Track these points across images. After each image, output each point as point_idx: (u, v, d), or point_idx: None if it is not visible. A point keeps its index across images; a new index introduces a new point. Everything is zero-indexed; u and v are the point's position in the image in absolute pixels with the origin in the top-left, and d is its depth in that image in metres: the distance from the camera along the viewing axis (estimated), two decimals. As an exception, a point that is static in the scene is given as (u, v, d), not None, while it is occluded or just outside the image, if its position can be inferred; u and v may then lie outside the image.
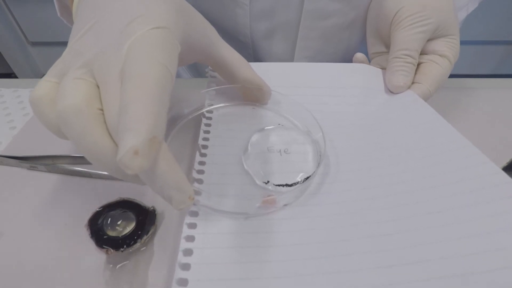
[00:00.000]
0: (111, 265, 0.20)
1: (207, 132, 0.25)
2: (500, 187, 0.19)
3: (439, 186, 0.20)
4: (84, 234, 0.20)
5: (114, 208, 0.21)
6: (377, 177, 0.23)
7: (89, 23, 0.18)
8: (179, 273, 0.17)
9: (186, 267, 0.17)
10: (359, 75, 0.32)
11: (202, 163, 0.23)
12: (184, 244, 0.18)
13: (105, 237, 0.20)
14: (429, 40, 0.31)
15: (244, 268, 0.18)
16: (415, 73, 0.31)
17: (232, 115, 0.28)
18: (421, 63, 0.31)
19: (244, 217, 0.20)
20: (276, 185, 0.22)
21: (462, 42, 0.31)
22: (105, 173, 0.25)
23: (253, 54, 0.44)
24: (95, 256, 0.20)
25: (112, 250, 0.19)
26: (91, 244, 0.19)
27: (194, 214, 0.20)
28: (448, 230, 0.18)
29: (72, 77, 0.16)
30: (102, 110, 0.16)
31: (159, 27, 0.17)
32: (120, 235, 0.20)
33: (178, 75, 0.52)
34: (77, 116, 0.15)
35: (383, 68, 0.33)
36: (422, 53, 0.31)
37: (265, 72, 0.27)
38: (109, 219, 0.21)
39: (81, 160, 0.26)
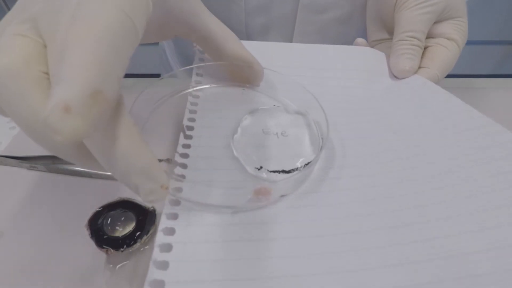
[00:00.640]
0: (111, 265, 0.20)
1: (193, 112, 0.22)
2: None
3: (464, 168, 0.19)
4: (84, 234, 0.20)
5: (114, 208, 0.21)
6: (389, 162, 0.20)
7: None
8: (154, 273, 0.14)
9: (163, 265, 0.15)
10: (362, 58, 0.30)
11: (186, 146, 0.20)
12: (161, 238, 0.16)
13: (105, 237, 0.20)
14: (435, 22, 0.29)
15: (234, 266, 0.15)
16: (422, 57, 0.29)
17: (219, 97, 0.24)
18: (428, 46, 0.29)
19: (231, 211, 0.17)
20: (271, 172, 0.19)
21: (462, 43, 0.31)
22: (105, 173, 0.25)
23: None
24: (95, 256, 0.20)
25: (112, 250, 0.19)
26: (91, 244, 0.19)
27: (176, 202, 0.17)
28: (483, 216, 0.16)
29: (10, 33, 0.13)
30: (47, 74, 0.13)
31: None
32: (120, 235, 0.20)
33: (170, 70, 0.52)
34: (12, 79, 0.12)
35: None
36: (428, 36, 0.29)
37: (260, 51, 0.24)
38: (109, 219, 0.21)
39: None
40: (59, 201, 0.24)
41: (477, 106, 0.23)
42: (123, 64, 0.13)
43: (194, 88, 0.24)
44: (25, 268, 0.20)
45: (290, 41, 0.40)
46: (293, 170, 0.20)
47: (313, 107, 0.23)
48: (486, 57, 1.31)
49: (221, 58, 0.23)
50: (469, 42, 0.30)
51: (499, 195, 0.17)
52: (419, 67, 0.29)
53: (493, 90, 0.37)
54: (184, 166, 0.19)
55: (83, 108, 0.10)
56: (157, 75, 0.52)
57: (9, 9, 1.22)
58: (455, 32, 0.29)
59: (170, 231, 0.16)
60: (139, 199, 0.22)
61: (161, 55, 0.53)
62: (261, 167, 0.19)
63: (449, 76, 0.31)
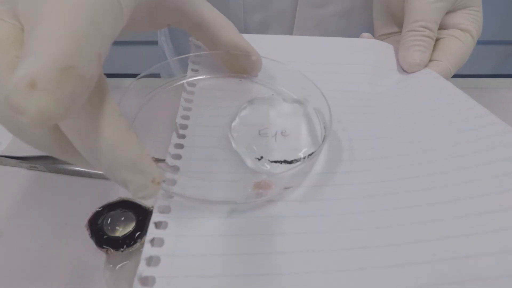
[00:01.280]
0: (111, 265, 0.20)
1: (188, 109, 0.21)
2: None
3: (476, 165, 0.18)
4: (84, 234, 0.20)
5: (114, 208, 0.21)
6: (398, 161, 0.20)
7: None
8: (145, 270, 0.14)
9: (153, 261, 0.14)
10: (368, 51, 0.28)
11: (179, 146, 0.19)
12: (153, 232, 0.15)
13: (105, 237, 0.20)
14: (448, 12, 0.27)
15: (229, 262, 0.15)
16: (433, 50, 0.27)
17: (215, 89, 0.23)
18: (440, 38, 0.27)
19: (230, 208, 0.16)
20: (272, 162, 0.18)
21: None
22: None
23: None
24: (95, 256, 0.20)
25: (112, 250, 0.19)
26: (91, 244, 0.20)
27: (169, 195, 0.16)
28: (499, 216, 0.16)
29: None
30: None
31: None
32: (120, 235, 0.20)
33: (171, 74, 0.52)
34: None
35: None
36: (441, 27, 0.27)
37: (262, 45, 0.23)
38: (109, 219, 0.21)
39: (81, 160, 0.26)
40: (59, 201, 0.24)
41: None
42: (105, 41, 0.11)
43: (188, 80, 0.23)
44: (25, 268, 0.20)
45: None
46: (295, 160, 0.18)
47: (314, 96, 0.21)
48: (486, 57, 1.31)
49: (216, 47, 0.22)
50: (468, 42, 0.30)
51: (505, 197, 0.17)
52: (430, 60, 0.27)
53: (493, 90, 0.37)
54: (177, 157, 0.18)
55: (51, 84, 0.09)
56: (157, 75, 0.52)
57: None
58: (469, 22, 0.27)
59: (163, 225, 0.15)
60: (139, 199, 0.22)
61: (161, 56, 0.53)
62: (261, 158, 0.18)
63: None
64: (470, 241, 0.16)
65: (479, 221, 0.16)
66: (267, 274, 0.15)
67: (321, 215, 0.17)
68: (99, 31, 0.11)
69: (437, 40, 0.27)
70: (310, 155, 0.18)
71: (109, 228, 0.20)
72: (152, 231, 0.15)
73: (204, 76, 0.23)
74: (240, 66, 0.23)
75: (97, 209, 0.21)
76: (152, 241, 0.15)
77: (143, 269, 0.14)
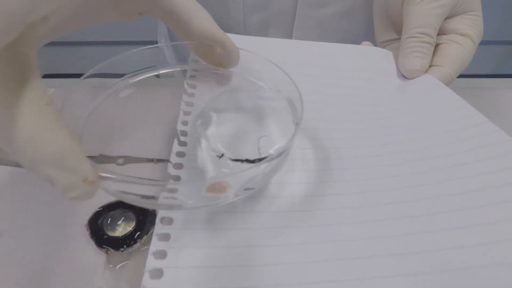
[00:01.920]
0: (111, 265, 0.20)
1: (188, 113, 0.20)
2: None
3: (475, 176, 0.18)
4: (84, 234, 0.20)
5: (114, 208, 0.21)
6: (399, 165, 0.20)
7: None
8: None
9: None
10: (368, 57, 0.28)
11: (180, 154, 0.18)
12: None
13: (105, 237, 0.20)
14: (447, 18, 0.27)
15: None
16: (433, 55, 0.27)
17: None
18: (440, 43, 0.27)
19: (178, 211, 0.15)
20: (233, 160, 0.17)
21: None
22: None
23: None
24: (95, 256, 0.20)
25: (112, 250, 0.19)
26: (91, 244, 0.20)
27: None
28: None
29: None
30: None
31: None
32: (120, 235, 0.20)
33: (170, 75, 0.52)
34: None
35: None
36: (440, 33, 0.27)
37: (260, 47, 0.23)
38: (109, 219, 0.21)
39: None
40: (59, 201, 0.24)
41: (477, 106, 0.23)
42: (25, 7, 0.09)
43: (189, 78, 0.22)
44: (25, 268, 0.20)
45: (290, 37, 0.40)
46: (259, 159, 0.17)
47: (289, 91, 0.20)
48: (486, 57, 1.31)
49: (189, 37, 0.20)
50: (469, 42, 0.30)
51: (502, 208, 0.17)
52: (430, 65, 0.27)
53: (493, 90, 0.37)
54: (179, 166, 0.17)
55: None
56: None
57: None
58: (469, 27, 0.27)
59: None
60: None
61: (160, 57, 0.53)
62: (222, 155, 0.17)
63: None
64: (468, 252, 0.16)
65: (477, 232, 0.16)
66: (264, 286, 0.15)
67: (317, 225, 0.17)
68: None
69: (437, 45, 0.27)
70: (279, 154, 0.16)
71: (109, 228, 0.20)
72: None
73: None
74: (216, 58, 0.21)
75: (97, 209, 0.21)
76: (155, 249, 0.15)
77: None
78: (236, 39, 0.23)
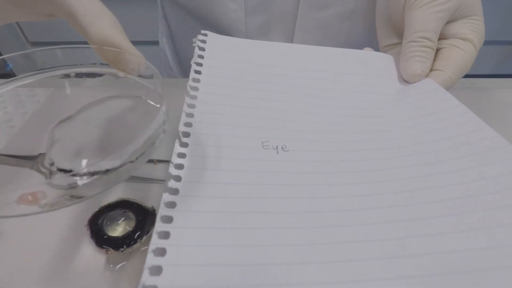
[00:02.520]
0: (111, 265, 0.20)
1: (190, 115, 0.20)
2: None
3: (473, 181, 0.18)
4: (84, 234, 0.20)
5: (114, 208, 0.21)
6: (398, 169, 0.20)
7: None
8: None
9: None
10: (369, 61, 0.29)
11: (181, 155, 0.18)
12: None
13: (105, 237, 0.20)
14: (448, 22, 0.27)
15: (230, 271, 0.15)
16: (434, 60, 0.27)
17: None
18: (441, 48, 0.27)
19: None
20: (59, 170, 0.15)
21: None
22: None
23: None
24: (95, 256, 0.20)
25: (112, 250, 0.19)
26: (91, 244, 0.20)
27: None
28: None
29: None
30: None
31: None
32: (120, 235, 0.20)
33: (172, 75, 0.52)
34: None
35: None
36: (441, 37, 0.28)
37: (262, 52, 0.24)
38: (109, 219, 0.21)
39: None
40: (59, 201, 0.24)
41: (478, 106, 0.23)
42: None
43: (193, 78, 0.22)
44: (25, 268, 0.20)
45: (291, 38, 0.40)
46: (79, 174, 0.13)
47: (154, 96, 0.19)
48: (486, 57, 1.31)
49: (90, 41, 0.20)
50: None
51: (499, 213, 0.17)
52: (431, 70, 0.27)
53: (493, 90, 0.37)
54: (180, 166, 0.18)
55: None
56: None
57: (24, 35, 1.22)
58: (470, 31, 0.27)
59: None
60: (139, 199, 0.22)
61: (161, 57, 0.53)
62: (53, 163, 0.15)
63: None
64: (464, 256, 0.16)
65: (473, 237, 0.16)
66: (263, 284, 0.15)
67: (317, 227, 0.17)
68: None
69: (438, 50, 0.28)
70: (108, 170, 0.13)
71: (109, 228, 0.20)
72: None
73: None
74: (120, 64, 0.21)
75: (97, 209, 0.21)
76: (156, 247, 0.15)
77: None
78: (240, 43, 0.23)
